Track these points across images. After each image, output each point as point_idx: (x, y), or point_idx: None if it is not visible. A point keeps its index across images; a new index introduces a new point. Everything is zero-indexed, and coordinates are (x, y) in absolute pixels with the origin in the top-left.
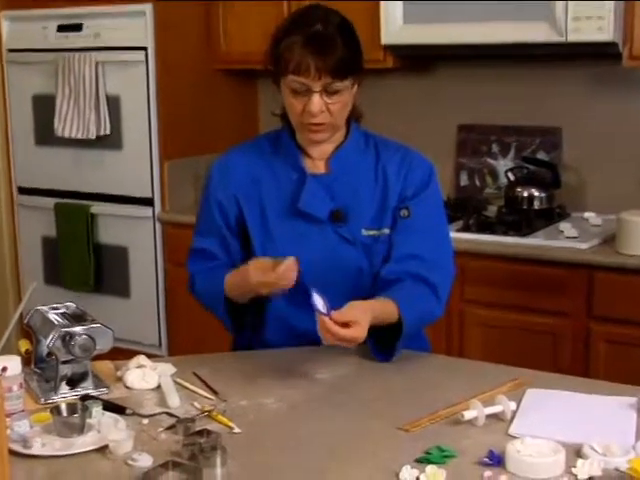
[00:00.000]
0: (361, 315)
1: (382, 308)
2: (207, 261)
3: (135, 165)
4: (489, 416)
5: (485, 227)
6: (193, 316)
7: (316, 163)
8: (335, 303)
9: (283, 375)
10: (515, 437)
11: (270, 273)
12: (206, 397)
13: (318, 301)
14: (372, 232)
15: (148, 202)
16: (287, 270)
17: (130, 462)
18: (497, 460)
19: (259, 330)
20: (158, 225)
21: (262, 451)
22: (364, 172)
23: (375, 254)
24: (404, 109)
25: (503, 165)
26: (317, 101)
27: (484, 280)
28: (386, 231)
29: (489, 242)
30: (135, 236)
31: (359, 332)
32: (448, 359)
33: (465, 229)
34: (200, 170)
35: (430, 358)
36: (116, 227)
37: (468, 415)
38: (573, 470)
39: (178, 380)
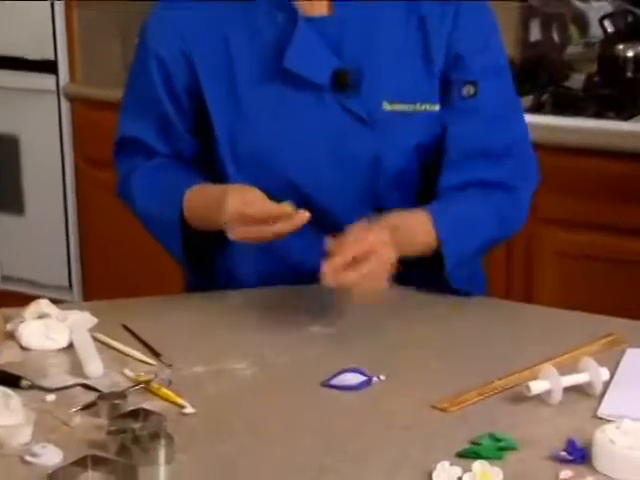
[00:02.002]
0: (377, 235)
1: (410, 222)
2: (141, 157)
3: (26, 9)
4: (569, 389)
5: (567, 105)
6: (120, 242)
7: (313, 1)
8: (342, 215)
9: (260, 328)
10: (607, 420)
11: (256, 204)
12: (143, 361)
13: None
14: (400, 106)
15: (48, 67)
16: (283, 214)
17: (29, 458)
18: (580, 454)
19: (226, 259)
20: (65, 103)
21: (228, 441)
22: (388, 11)
23: (403, 141)
24: None
25: (596, 9)
26: None
27: (564, 187)
28: (424, 107)
29: (572, 128)
30: (29, 120)
31: (385, 254)
32: (508, 305)
33: (536, 109)
34: (129, 18)
35: (481, 303)
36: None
37: (537, 388)
38: None
39: (100, 337)
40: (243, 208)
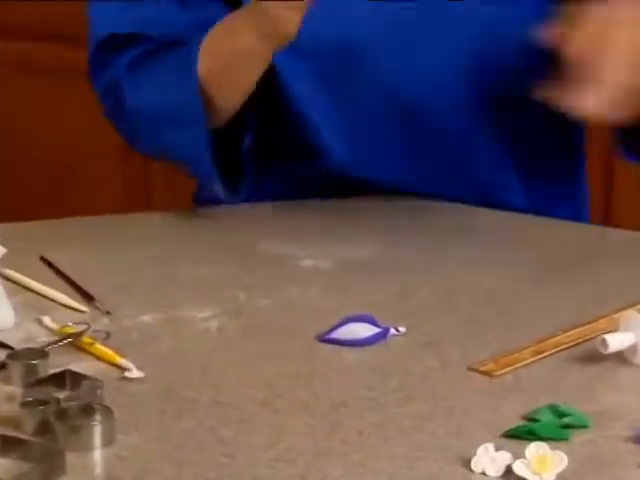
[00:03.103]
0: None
1: None
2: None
3: None
4: None
5: None
6: (31, 140)
7: None
8: (450, 117)
9: (234, 261)
10: None
11: None
12: (70, 307)
13: None
14: None
15: None
16: None
17: None
18: None
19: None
20: None
21: (189, 417)
22: None
23: None
24: None
25: None
26: None
27: None
28: None
29: None
30: None
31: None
32: (576, 227)
33: None
34: None
35: (535, 225)
36: None
37: (616, 342)
38: None
39: (9, 273)
40: None
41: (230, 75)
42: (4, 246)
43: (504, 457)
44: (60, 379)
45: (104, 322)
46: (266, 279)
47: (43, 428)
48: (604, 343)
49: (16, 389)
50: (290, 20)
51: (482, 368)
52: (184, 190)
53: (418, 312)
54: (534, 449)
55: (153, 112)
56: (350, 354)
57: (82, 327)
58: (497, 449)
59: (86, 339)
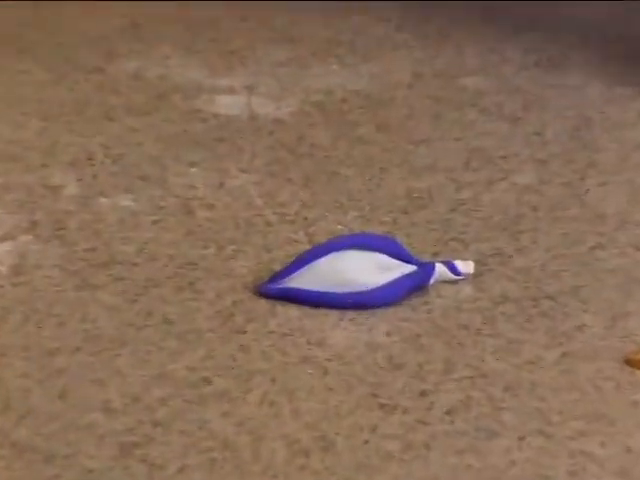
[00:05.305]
0: None
1: None
2: None
3: None
4: None
5: None
6: None
7: None
8: None
9: (56, 101)
10: None
11: None
12: None
13: None
14: None
15: None
16: None
17: None
18: None
19: None
20: None
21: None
22: None
23: None
24: None
25: None
26: None
27: None
28: None
29: None
30: None
31: None
32: None
33: None
34: None
35: None
36: None
37: None
38: None
39: None
40: None
41: None
42: None
43: None
44: None
45: None
46: (133, 139)
47: None
48: None
49: None
50: None
51: None
52: None
53: (498, 225)
54: None
55: None
56: (338, 327)
57: None
58: None
59: None
